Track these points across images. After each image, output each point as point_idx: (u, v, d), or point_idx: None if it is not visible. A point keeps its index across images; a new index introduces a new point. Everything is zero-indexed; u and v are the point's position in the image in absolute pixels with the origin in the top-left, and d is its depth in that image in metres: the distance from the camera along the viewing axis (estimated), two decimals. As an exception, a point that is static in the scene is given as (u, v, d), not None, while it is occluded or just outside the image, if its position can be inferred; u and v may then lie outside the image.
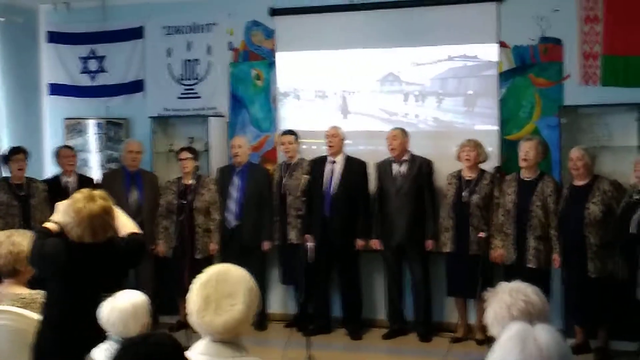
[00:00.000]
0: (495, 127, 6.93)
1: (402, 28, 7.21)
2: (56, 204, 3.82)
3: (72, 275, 3.50)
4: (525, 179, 6.37)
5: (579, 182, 6.15)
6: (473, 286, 5.91)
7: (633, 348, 5.99)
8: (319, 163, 7.08)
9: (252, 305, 2.66)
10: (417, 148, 6.92)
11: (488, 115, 6.97)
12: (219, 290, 2.62)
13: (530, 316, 2.43)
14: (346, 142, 7.12)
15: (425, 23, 7.14)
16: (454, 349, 5.91)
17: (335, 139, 7.00)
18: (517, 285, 2.59)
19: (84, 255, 3.52)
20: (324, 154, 7.14)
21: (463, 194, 6.57)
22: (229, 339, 2.64)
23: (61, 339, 3.44)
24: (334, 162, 7.02)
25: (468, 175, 6.62)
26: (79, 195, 3.57)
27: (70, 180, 7.14)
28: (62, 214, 3.59)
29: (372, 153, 7.10)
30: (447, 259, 6.72)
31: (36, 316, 3.71)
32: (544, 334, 1.89)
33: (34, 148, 7.48)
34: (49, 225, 3.73)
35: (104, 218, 3.55)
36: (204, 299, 2.61)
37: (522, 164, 6.33)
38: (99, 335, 3.18)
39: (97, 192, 3.62)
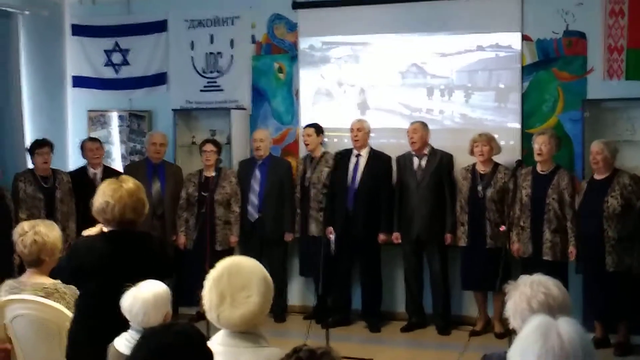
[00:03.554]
0: (517, 121, 6.90)
1: (426, 21, 7.19)
2: (83, 232, 3.85)
3: (104, 265, 3.53)
4: (541, 173, 6.35)
5: (599, 176, 6.13)
6: (491, 279, 5.90)
7: (654, 343, 5.96)
8: (344, 156, 7.07)
9: (267, 295, 2.66)
10: (439, 142, 6.91)
11: (510, 110, 6.94)
12: (232, 284, 2.62)
13: (551, 309, 2.43)
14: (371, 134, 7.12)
15: (448, 15, 7.12)
16: (472, 342, 5.90)
17: (361, 132, 7.00)
18: (538, 278, 2.59)
19: (119, 243, 3.57)
20: (347, 147, 7.14)
21: (478, 188, 6.56)
22: (247, 330, 2.65)
23: (96, 329, 3.46)
24: (359, 155, 7.02)
25: (482, 169, 6.61)
26: (106, 183, 3.67)
27: (97, 172, 7.19)
28: (97, 199, 3.61)
29: (394, 147, 7.09)
30: (462, 253, 6.72)
31: (58, 305, 3.76)
32: (567, 328, 1.88)
33: (58, 140, 7.53)
34: None
35: (140, 195, 3.65)
36: (219, 294, 2.61)
37: (537, 158, 6.32)
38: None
39: (123, 176, 3.75)
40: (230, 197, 7.17)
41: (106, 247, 3.57)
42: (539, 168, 6.37)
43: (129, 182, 3.65)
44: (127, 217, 3.57)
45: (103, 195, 3.59)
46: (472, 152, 6.63)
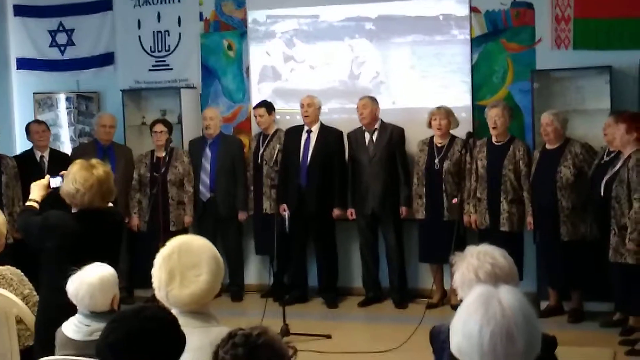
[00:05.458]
0: (468, 93, 6.92)
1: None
2: (32, 184, 3.91)
3: (79, 244, 3.54)
4: (496, 144, 6.39)
5: (551, 146, 6.18)
6: (447, 251, 5.92)
7: (606, 309, 6.06)
8: (294, 133, 7.05)
9: (217, 274, 2.65)
10: (389, 116, 6.91)
11: (461, 82, 6.95)
12: (182, 262, 2.61)
13: (497, 279, 2.44)
14: (322, 110, 7.08)
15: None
16: (429, 315, 5.94)
17: (311, 108, 6.96)
18: (485, 248, 2.60)
19: (90, 222, 3.62)
20: (300, 124, 7.10)
21: (435, 161, 6.58)
22: (196, 309, 2.64)
23: (67, 306, 3.38)
24: (309, 131, 6.99)
25: (439, 142, 6.63)
26: (78, 166, 3.68)
27: (44, 155, 7.07)
28: (67, 183, 3.64)
29: (346, 123, 7.06)
30: (420, 226, 6.75)
31: (4, 292, 3.68)
32: (508, 296, 1.89)
33: (4, 124, 7.41)
34: (31, 204, 3.81)
35: (110, 183, 3.72)
36: (168, 272, 2.60)
37: (492, 131, 6.36)
38: None
39: (94, 160, 3.78)
40: (183, 176, 7.11)
41: (78, 227, 3.61)
42: (494, 139, 6.41)
43: (100, 169, 3.68)
44: (95, 204, 3.65)
45: (74, 182, 3.62)
46: (429, 125, 6.63)
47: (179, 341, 2.22)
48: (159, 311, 2.24)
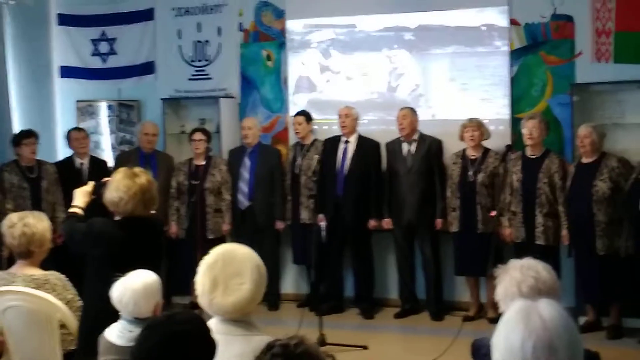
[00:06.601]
0: (507, 106, 6.89)
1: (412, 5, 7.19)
2: (74, 191, 3.98)
3: (122, 251, 3.58)
4: (531, 157, 6.35)
5: (587, 160, 6.13)
6: (483, 264, 5.92)
7: (645, 325, 5.99)
8: (332, 143, 7.09)
9: (260, 283, 2.67)
10: (428, 127, 6.91)
11: (500, 95, 6.92)
12: (226, 271, 2.63)
13: (540, 293, 2.43)
14: (359, 121, 7.10)
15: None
16: (465, 328, 5.90)
17: (349, 118, 6.99)
18: (528, 262, 2.59)
19: (133, 230, 3.67)
20: (336, 134, 7.13)
21: (468, 173, 6.58)
22: (239, 317, 2.66)
23: (109, 314, 3.41)
24: (347, 141, 7.02)
25: (472, 154, 6.62)
26: (121, 174, 3.73)
27: (84, 162, 7.17)
28: (111, 192, 3.70)
29: (383, 134, 7.07)
30: (454, 239, 6.73)
31: (49, 297, 3.75)
32: (548, 308, 1.88)
33: (46, 131, 7.50)
34: (75, 210, 3.88)
35: (152, 192, 3.76)
36: (212, 280, 2.62)
37: (527, 142, 6.32)
38: None
39: (137, 169, 3.82)
40: (220, 185, 7.16)
41: (122, 234, 3.66)
42: (528, 152, 6.37)
43: (142, 178, 3.72)
44: (137, 212, 3.70)
45: (117, 190, 3.68)
46: (462, 138, 6.63)
47: (211, 345, 2.24)
48: (190, 316, 2.26)
